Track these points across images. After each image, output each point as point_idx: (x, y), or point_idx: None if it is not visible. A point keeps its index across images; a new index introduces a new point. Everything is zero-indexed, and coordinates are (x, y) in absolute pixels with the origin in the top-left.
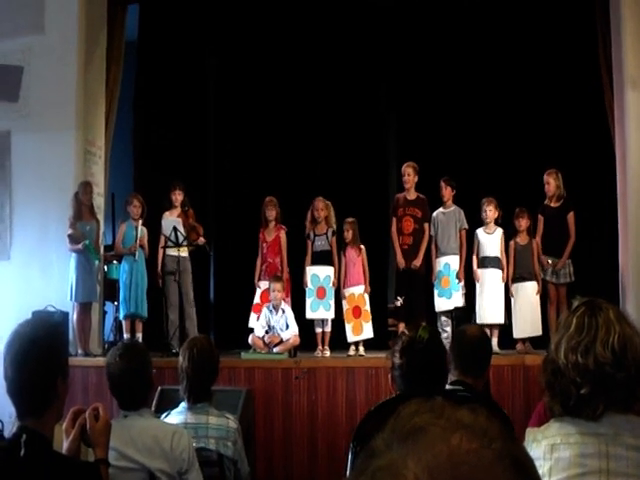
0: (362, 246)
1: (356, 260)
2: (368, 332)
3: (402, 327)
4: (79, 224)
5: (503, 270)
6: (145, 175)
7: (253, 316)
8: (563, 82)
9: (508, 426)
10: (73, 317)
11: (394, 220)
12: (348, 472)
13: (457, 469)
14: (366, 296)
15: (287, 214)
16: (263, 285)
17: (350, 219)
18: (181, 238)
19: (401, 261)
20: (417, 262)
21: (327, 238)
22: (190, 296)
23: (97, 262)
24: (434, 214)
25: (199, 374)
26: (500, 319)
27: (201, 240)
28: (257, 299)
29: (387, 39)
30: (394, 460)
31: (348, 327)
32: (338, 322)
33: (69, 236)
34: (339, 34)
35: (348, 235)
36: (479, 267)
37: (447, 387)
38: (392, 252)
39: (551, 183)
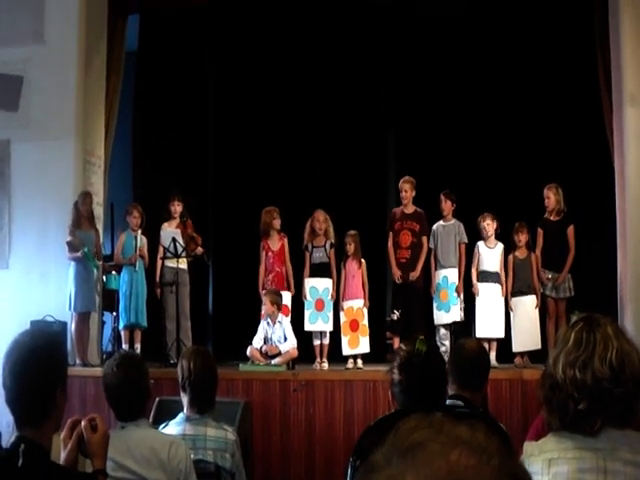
0: (363, 260)
1: (356, 273)
2: (364, 347)
3: (397, 341)
4: (78, 233)
5: (502, 285)
6: (144, 185)
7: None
8: (563, 97)
9: (507, 443)
10: (71, 327)
11: (390, 234)
12: None
13: None
14: (365, 310)
15: (284, 225)
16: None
17: (352, 232)
18: (180, 249)
19: (397, 273)
20: (414, 274)
21: (325, 250)
22: (186, 309)
23: (95, 270)
24: (434, 227)
25: (203, 384)
26: (500, 334)
27: (199, 250)
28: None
29: (387, 52)
30: (393, 475)
31: (344, 340)
32: (336, 335)
33: (68, 243)
34: (338, 45)
35: (350, 248)
36: (478, 281)
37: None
38: (390, 266)
39: (551, 197)
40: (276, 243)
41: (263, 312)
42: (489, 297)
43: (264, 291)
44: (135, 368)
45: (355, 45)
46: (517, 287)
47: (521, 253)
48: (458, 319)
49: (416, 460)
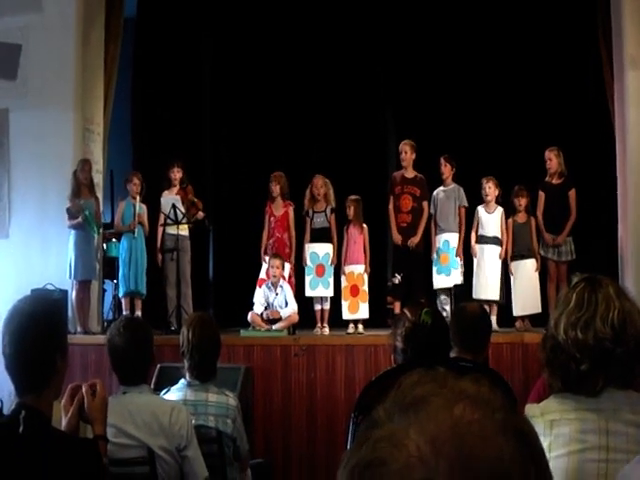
0: (365, 225)
1: (357, 238)
2: (364, 312)
3: (398, 306)
4: (78, 202)
5: (502, 247)
6: (144, 152)
7: (258, 291)
8: (563, 61)
9: (510, 397)
10: (72, 295)
11: (391, 198)
12: (349, 442)
13: (460, 439)
14: (365, 276)
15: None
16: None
17: (353, 197)
18: (180, 215)
19: (397, 237)
20: (415, 240)
21: (326, 215)
22: (187, 275)
23: (96, 235)
24: (434, 193)
25: (202, 353)
26: (495, 296)
27: (200, 214)
28: (263, 274)
29: (384, 18)
30: (396, 430)
31: (344, 304)
32: (337, 300)
33: (67, 210)
34: (336, 12)
35: (350, 212)
36: (477, 243)
37: None
38: (391, 230)
39: (553, 160)
40: (279, 209)
41: (270, 275)
42: (487, 259)
43: (270, 254)
44: (142, 330)
45: (352, 11)
46: (517, 251)
47: (520, 217)
48: (459, 282)
49: (419, 415)
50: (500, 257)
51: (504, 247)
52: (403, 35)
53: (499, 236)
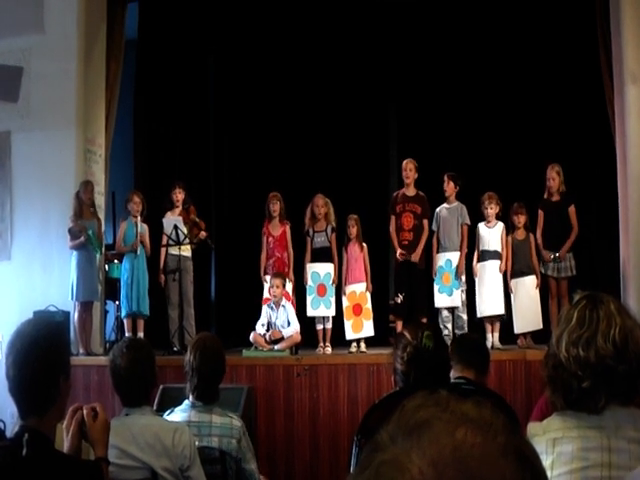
0: (364, 244)
1: (358, 256)
2: (368, 330)
3: (400, 324)
4: (80, 222)
5: (502, 261)
6: (146, 173)
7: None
8: (563, 76)
9: (513, 419)
10: (74, 316)
11: (392, 217)
12: (352, 465)
13: (462, 463)
14: (368, 294)
15: (287, 211)
16: (270, 280)
17: (354, 215)
18: (182, 236)
19: (402, 252)
20: (415, 257)
21: (326, 235)
22: (189, 295)
23: (98, 254)
24: (437, 210)
25: (209, 373)
26: (500, 310)
27: (202, 234)
28: (266, 293)
29: (388, 34)
30: (398, 454)
31: (347, 324)
32: (339, 319)
33: (69, 231)
34: (338, 28)
35: (352, 231)
36: (478, 261)
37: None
38: (392, 249)
39: (556, 179)
40: (277, 228)
41: (272, 295)
42: (488, 275)
43: (271, 274)
44: (144, 351)
45: (355, 28)
46: (517, 268)
47: (519, 234)
48: (459, 304)
49: (422, 438)
50: (500, 270)
51: (504, 261)
52: (406, 53)
53: (499, 250)
